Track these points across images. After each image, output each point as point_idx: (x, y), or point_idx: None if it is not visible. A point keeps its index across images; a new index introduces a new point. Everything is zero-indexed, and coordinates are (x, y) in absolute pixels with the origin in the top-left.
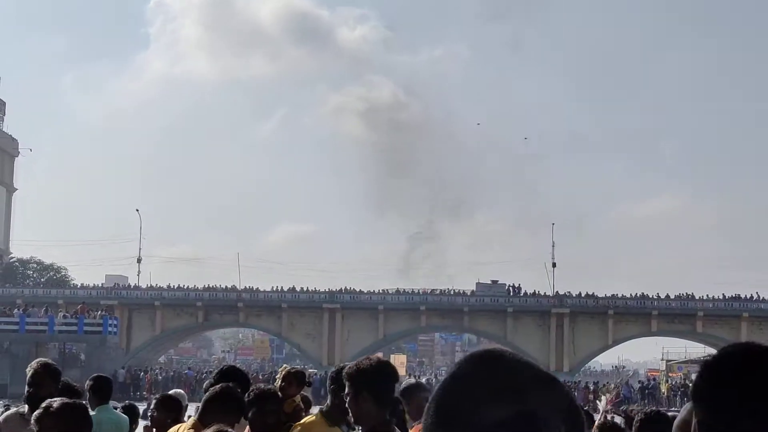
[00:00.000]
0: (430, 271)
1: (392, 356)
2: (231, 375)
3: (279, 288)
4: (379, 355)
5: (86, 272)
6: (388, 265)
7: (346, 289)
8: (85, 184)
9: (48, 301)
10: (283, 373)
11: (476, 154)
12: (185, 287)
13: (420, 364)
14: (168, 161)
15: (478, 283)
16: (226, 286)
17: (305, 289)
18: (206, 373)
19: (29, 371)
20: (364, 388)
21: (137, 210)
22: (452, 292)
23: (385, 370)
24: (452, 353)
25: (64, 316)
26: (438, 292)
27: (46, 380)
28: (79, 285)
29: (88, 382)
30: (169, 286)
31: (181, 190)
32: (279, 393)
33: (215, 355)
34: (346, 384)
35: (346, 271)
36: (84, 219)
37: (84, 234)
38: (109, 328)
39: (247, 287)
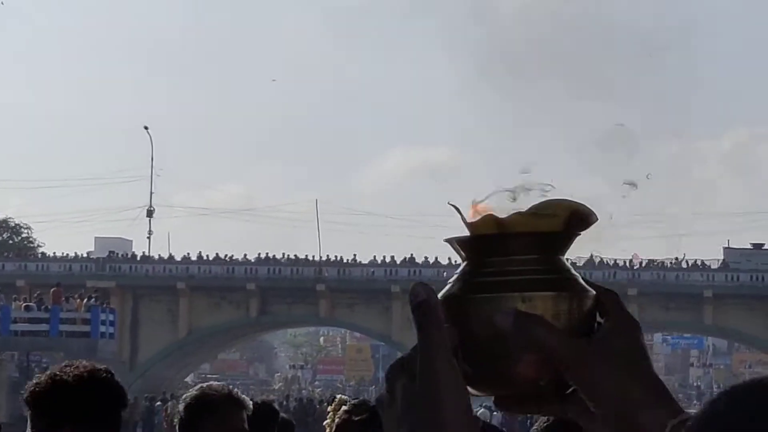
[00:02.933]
0: (648, 230)
1: None
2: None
3: (387, 259)
4: None
5: (63, 233)
6: None
7: None
8: (61, 84)
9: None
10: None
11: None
12: (228, 258)
13: None
14: (195, 46)
15: (727, 249)
16: (296, 256)
17: (432, 261)
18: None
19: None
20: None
21: (146, 128)
22: (684, 265)
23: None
24: (684, 368)
25: (27, 307)
26: (664, 264)
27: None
28: (52, 254)
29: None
30: (200, 257)
31: (218, 95)
32: None
33: (279, 373)
34: None
35: None
36: (58, 144)
37: (59, 170)
38: (102, 328)
39: (333, 258)
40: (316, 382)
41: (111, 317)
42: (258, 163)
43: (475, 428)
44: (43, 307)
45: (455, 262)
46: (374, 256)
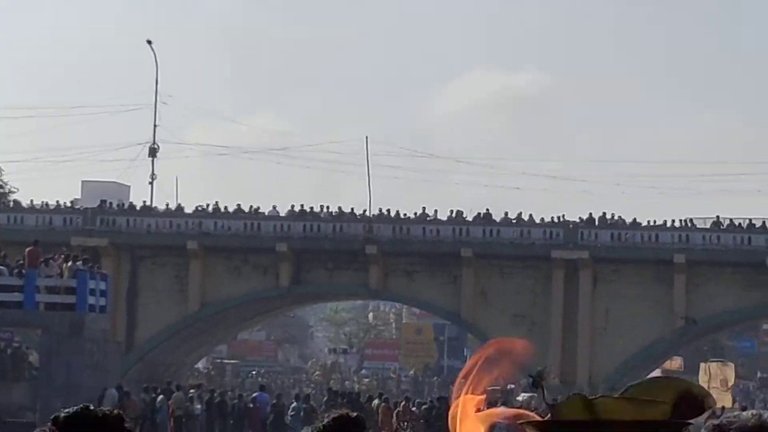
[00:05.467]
0: None
1: (704, 365)
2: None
3: (456, 213)
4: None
5: (42, 177)
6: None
7: (608, 217)
8: None
9: None
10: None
11: None
12: (253, 211)
13: (764, 382)
14: None
15: None
16: (340, 210)
17: (515, 217)
18: (298, 400)
19: None
20: None
21: (149, 43)
22: None
23: None
24: None
25: None
26: None
27: None
28: (28, 203)
29: (51, 425)
30: (218, 209)
31: (244, 1)
32: None
33: (316, 359)
34: None
35: (613, 179)
36: (37, 63)
37: (36, 96)
38: (91, 299)
39: (388, 212)
40: (363, 371)
41: (102, 285)
42: (294, 90)
43: None
44: (15, 271)
45: (543, 219)
46: (436, 211)
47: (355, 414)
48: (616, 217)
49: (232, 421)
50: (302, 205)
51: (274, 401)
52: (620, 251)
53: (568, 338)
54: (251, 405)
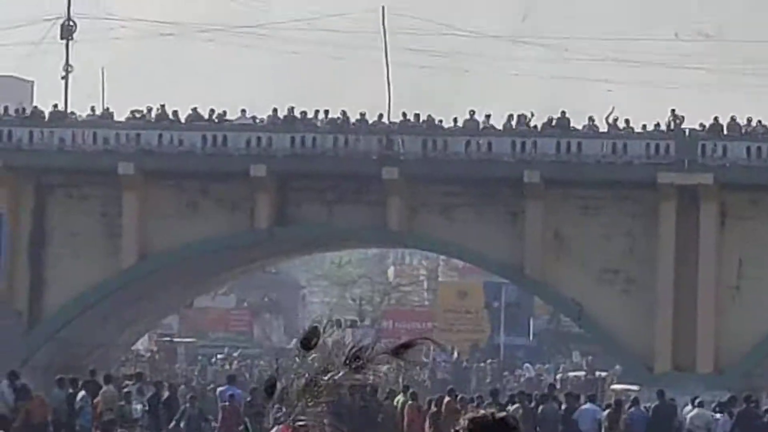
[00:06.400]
0: None
1: None
2: None
3: (515, 120)
4: None
5: None
6: None
7: (744, 123)
8: None
9: None
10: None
11: None
12: (216, 117)
13: None
14: None
15: None
16: (344, 115)
17: (611, 122)
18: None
19: None
20: None
21: None
22: None
23: None
24: None
25: None
26: None
27: None
28: None
29: None
30: (163, 115)
31: None
32: None
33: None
34: None
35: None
36: None
37: None
38: None
39: (414, 119)
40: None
41: None
42: None
43: None
44: None
45: (645, 126)
46: (489, 117)
47: (501, 415)
48: (755, 123)
49: (185, 427)
50: (290, 110)
51: (249, 398)
52: (762, 174)
53: (683, 303)
54: (225, 403)
